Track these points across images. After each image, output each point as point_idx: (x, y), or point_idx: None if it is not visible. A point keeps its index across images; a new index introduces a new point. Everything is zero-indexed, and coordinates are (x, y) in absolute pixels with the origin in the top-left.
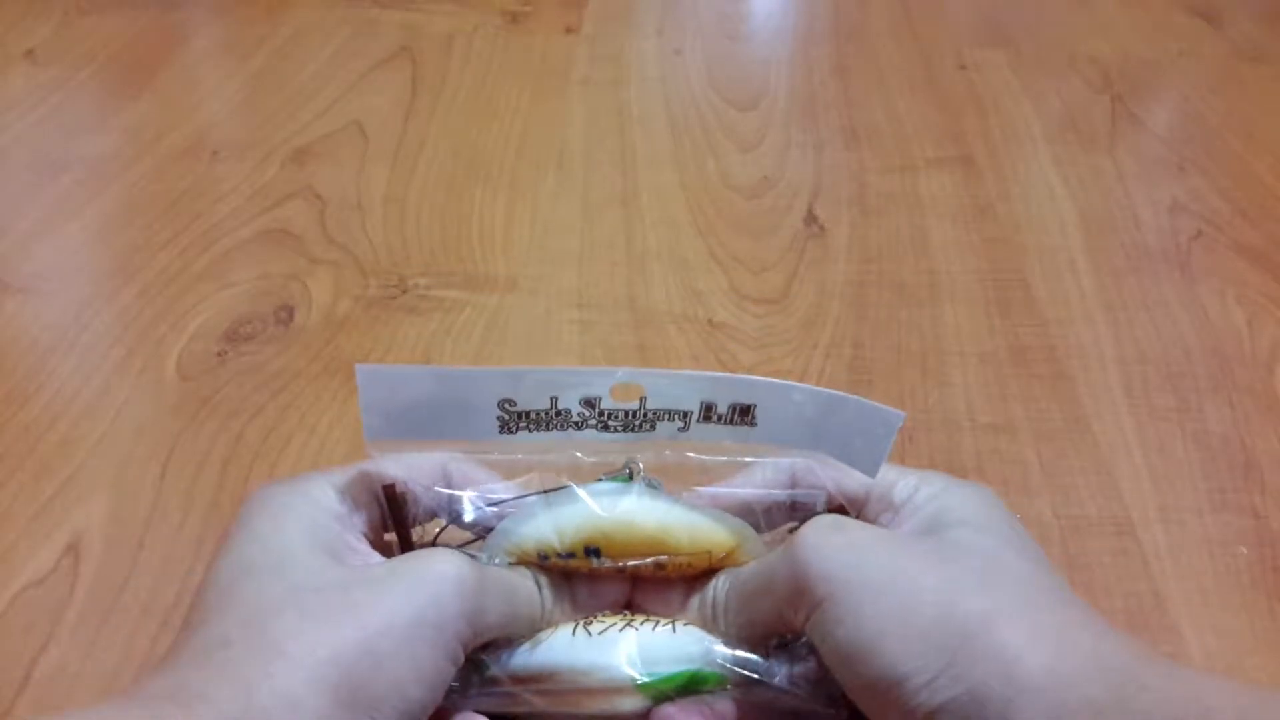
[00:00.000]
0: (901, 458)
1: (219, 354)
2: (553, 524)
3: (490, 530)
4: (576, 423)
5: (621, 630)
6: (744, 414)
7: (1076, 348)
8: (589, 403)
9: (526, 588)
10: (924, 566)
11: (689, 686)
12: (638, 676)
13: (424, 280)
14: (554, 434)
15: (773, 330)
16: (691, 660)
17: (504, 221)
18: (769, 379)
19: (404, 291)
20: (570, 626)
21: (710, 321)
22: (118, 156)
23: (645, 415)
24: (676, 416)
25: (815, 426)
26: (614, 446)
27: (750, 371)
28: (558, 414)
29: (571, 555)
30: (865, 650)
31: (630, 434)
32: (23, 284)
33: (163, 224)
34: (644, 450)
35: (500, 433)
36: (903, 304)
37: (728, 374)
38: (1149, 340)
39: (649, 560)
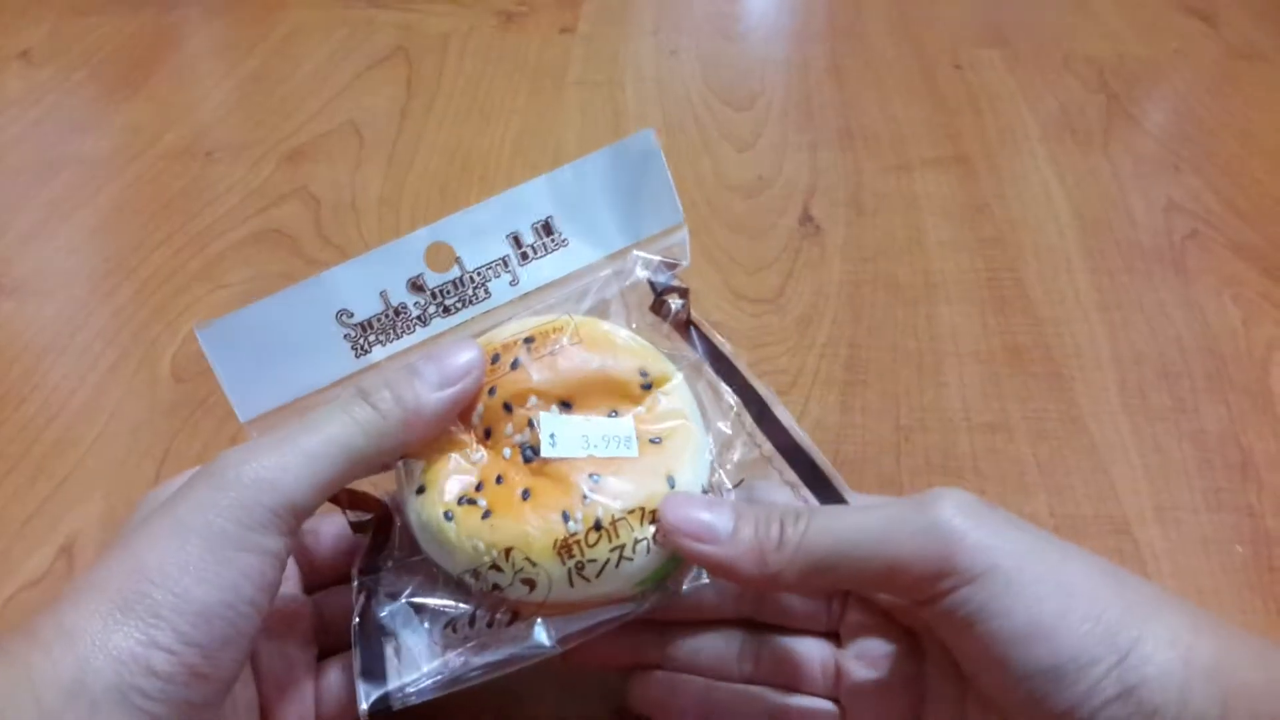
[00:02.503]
0: (898, 458)
1: None
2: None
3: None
4: (419, 317)
5: (617, 565)
6: (548, 231)
7: (1072, 347)
8: (416, 286)
9: (345, 419)
10: (1069, 549)
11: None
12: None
13: None
14: (405, 339)
15: (768, 329)
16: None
17: None
18: (541, 176)
19: None
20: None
21: (710, 321)
22: (113, 157)
23: (473, 279)
24: (499, 267)
25: (609, 207)
26: (468, 332)
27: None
28: (396, 313)
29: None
30: (1046, 632)
31: (473, 308)
32: (17, 285)
33: (158, 224)
34: (495, 327)
35: (356, 356)
36: (898, 303)
37: (510, 189)
38: (1145, 339)
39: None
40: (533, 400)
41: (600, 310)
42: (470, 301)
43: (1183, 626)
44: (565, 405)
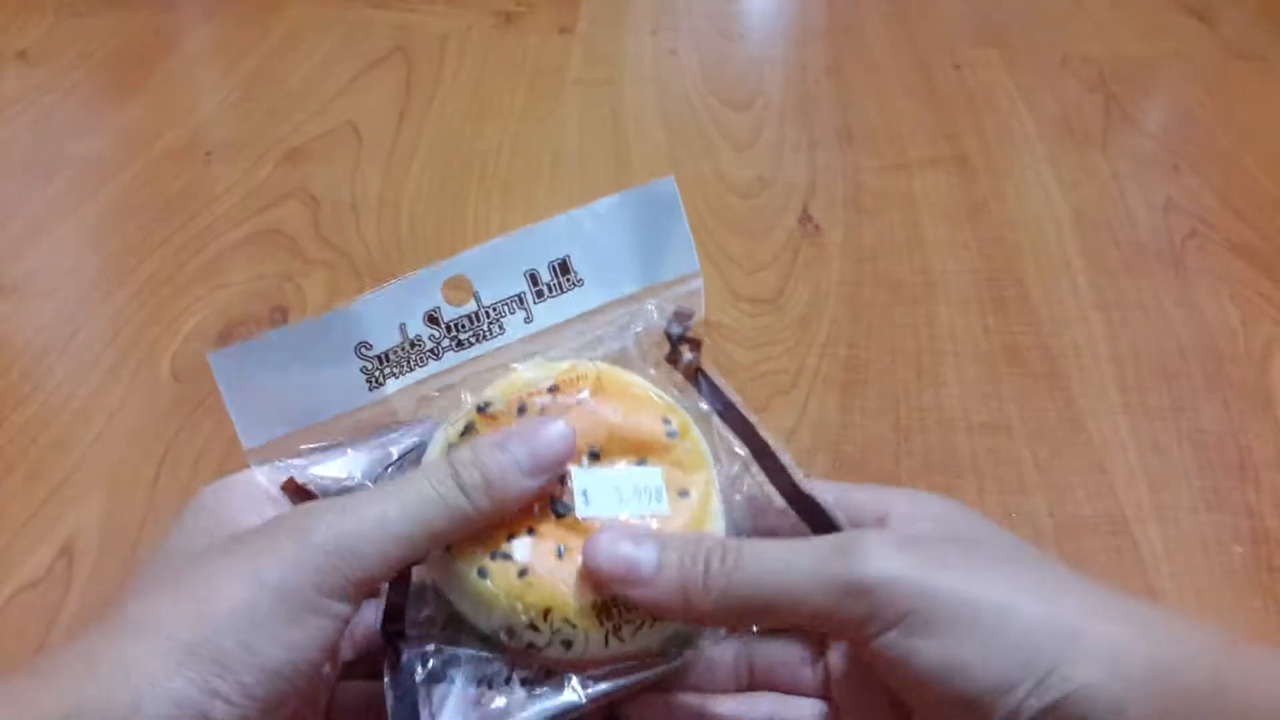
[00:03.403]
0: (897, 458)
1: None
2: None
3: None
4: (433, 350)
5: (651, 625)
6: (565, 271)
7: (1071, 347)
8: (432, 319)
9: (430, 496)
10: (998, 575)
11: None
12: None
13: None
14: (418, 372)
15: (767, 330)
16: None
17: (499, 222)
18: (562, 215)
19: None
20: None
21: (705, 321)
22: (111, 158)
23: (488, 314)
24: (514, 304)
25: (626, 251)
26: (481, 367)
27: (747, 372)
28: (412, 345)
29: (468, 429)
30: (963, 666)
31: (486, 343)
32: (16, 285)
33: (156, 225)
34: (501, 371)
35: (370, 389)
36: (898, 303)
37: (530, 225)
38: (1143, 339)
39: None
40: None
41: (617, 358)
42: (484, 337)
43: (1117, 637)
44: (593, 455)
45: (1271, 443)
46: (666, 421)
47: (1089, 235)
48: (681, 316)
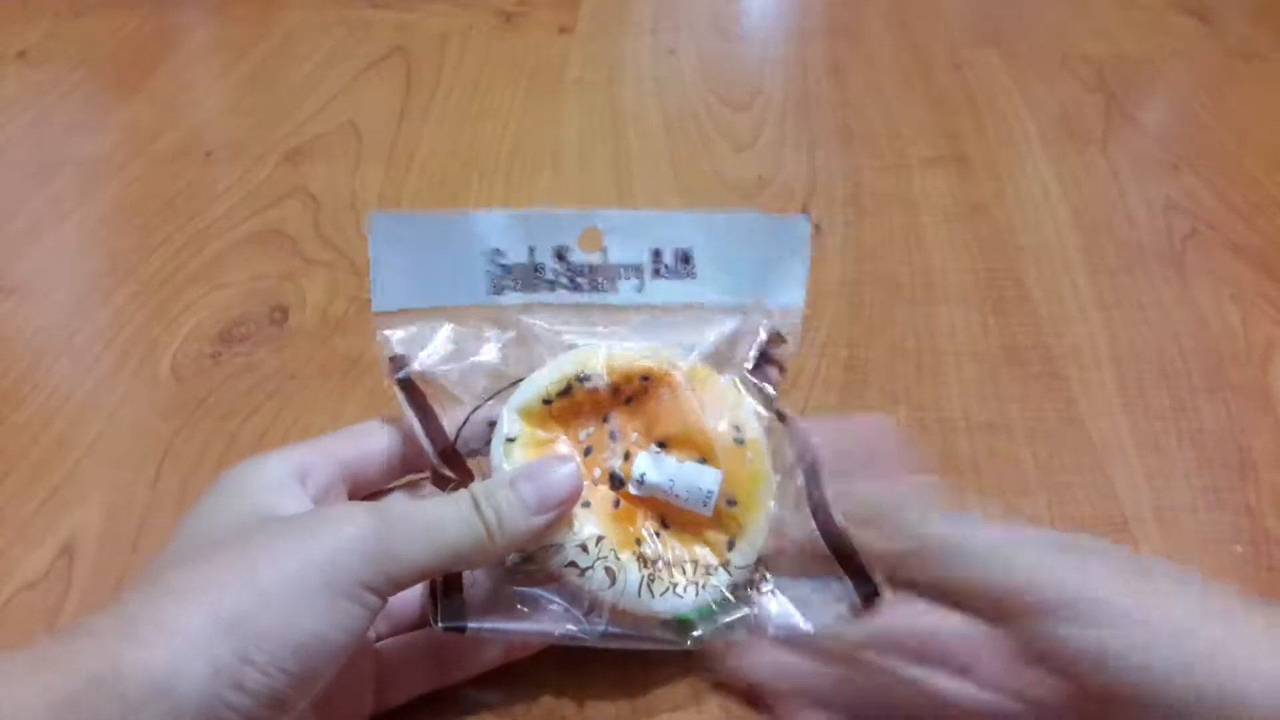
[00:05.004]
0: None
1: (213, 355)
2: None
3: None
4: (550, 281)
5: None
6: (685, 260)
7: (1071, 347)
8: (560, 254)
9: (460, 520)
10: (1135, 581)
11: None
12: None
13: None
14: (533, 295)
15: None
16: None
17: None
18: (699, 212)
19: None
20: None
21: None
22: (111, 157)
23: (607, 271)
24: (632, 272)
25: (746, 264)
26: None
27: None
28: (535, 270)
29: (566, 390)
30: (1113, 664)
31: (596, 293)
32: (16, 285)
33: (156, 225)
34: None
35: (489, 294)
36: (898, 303)
37: (666, 211)
38: (1143, 339)
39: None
40: (634, 435)
41: (715, 357)
42: (598, 289)
43: (1260, 652)
44: (661, 444)
45: (1271, 442)
46: (736, 429)
47: (1089, 235)
48: (776, 340)
